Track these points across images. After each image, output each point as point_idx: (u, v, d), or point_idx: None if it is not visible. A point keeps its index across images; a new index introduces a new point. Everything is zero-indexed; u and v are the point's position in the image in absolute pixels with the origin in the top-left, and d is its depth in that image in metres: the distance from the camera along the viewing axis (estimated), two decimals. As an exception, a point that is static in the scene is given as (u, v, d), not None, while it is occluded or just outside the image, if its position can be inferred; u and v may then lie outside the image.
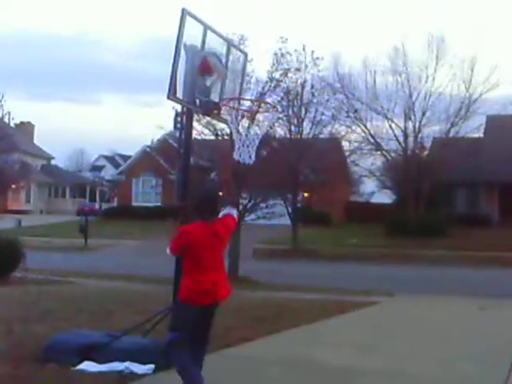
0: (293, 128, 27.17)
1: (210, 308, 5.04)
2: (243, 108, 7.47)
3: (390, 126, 34.59)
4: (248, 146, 6.51)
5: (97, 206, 51.55)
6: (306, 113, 27.38)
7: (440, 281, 17.51)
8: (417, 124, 34.13)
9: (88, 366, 5.52)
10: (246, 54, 7.93)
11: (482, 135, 37.38)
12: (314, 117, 27.66)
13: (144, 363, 5.55)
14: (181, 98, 6.28)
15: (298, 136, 27.28)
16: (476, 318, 10.27)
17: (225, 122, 7.20)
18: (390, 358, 6.73)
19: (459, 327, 9.22)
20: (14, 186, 44.16)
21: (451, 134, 34.56)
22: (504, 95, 33.34)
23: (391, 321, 9.98)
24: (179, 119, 5.95)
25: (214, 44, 6.66)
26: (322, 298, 11.90)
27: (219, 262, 5.12)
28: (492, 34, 72.14)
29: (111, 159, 76.61)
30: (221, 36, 6.91)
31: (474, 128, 35.43)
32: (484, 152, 35.30)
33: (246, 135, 6.63)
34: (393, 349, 7.27)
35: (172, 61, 6.06)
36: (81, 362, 5.59)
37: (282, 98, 23.89)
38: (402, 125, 34.45)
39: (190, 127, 7.17)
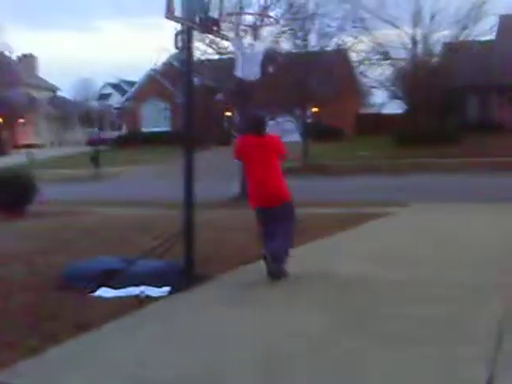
0: (298, 42, 26.54)
1: (267, 210, 6.24)
2: (245, 23, 7.21)
3: (398, 34, 33.72)
4: (251, 62, 6.33)
5: (106, 134, 51.42)
6: (311, 25, 26.67)
7: (454, 188, 17.47)
8: (425, 30, 33.23)
9: (105, 291, 5.60)
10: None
11: (493, 37, 36.33)
12: (320, 29, 26.96)
13: (160, 286, 5.62)
14: (179, 15, 6.06)
15: (305, 50, 26.69)
16: (491, 224, 10.27)
17: (226, 38, 6.97)
18: (402, 265, 6.78)
19: (473, 233, 9.24)
20: (22, 120, 44.07)
21: (462, 38, 33.63)
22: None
23: (404, 230, 10.01)
24: (180, 38, 5.72)
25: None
26: (337, 212, 11.93)
27: (268, 169, 6.17)
28: None
29: (117, 86, 75.72)
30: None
31: (485, 30, 34.43)
32: (496, 55, 34.38)
33: (249, 51, 6.45)
34: (407, 257, 7.32)
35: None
36: (98, 288, 5.67)
37: (286, 11, 23.21)
38: (410, 32, 33.56)
39: (191, 46, 6.96)
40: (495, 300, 5.22)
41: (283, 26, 22.06)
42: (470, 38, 33.88)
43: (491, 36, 35.91)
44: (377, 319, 4.80)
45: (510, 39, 35.43)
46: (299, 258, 6.65)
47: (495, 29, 35.92)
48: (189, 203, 6.12)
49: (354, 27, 31.75)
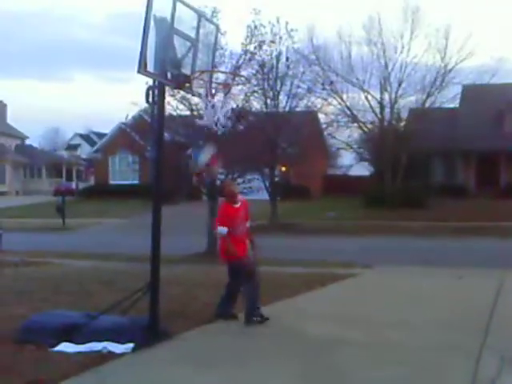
0: (269, 101, 27.02)
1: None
2: (217, 81, 7.36)
3: (366, 98, 34.62)
4: (217, 112, 6.44)
5: (73, 185, 51.06)
6: (281, 85, 27.23)
7: (418, 251, 17.63)
8: (393, 95, 34.17)
9: (66, 346, 5.46)
10: (217, 26, 7.79)
11: (457, 105, 37.58)
12: (290, 90, 27.53)
13: (123, 342, 5.51)
14: (152, 71, 6.14)
15: (274, 109, 27.15)
16: (454, 287, 10.36)
17: (198, 95, 7.06)
18: (369, 327, 6.77)
19: (437, 296, 9.30)
20: (-13, 168, 43.53)
21: (427, 105, 34.68)
22: (479, 65, 33.53)
23: (369, 291, 10.03)
24: (151, 93, 5.78)
25: (185, 16, 6.50)
26: (303, 272, 11.93)
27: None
28: (466, 2, 72.17)
29: (87, 137, 75.76)
30: (192, 8, 6.74)
31: (449, 98, 35.69)
32: (460, 122, 35.51)
33: (218, 105, 6.57)
34: (371, 318, 7.31)
35: (142, 34, 5.90)
36: (59, 343, 5.52)
37: (257, 71, 23.71)
38: (378, 96, 34.50)
39: (162, 101, 7.02)
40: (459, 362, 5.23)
41: (254, 85, 22.52)
42: (435, 105, 34.97)
43: (455, 104, 37.18)
44: (342, 381, 4.76)
45: (473, 107, 36.73)
46: (276, 316, 6.63)
47: (459, 97, 37.21)
48: (155, 257, 6.07)
49: (324, 89, 32.57)
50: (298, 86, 27.65)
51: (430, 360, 5.42)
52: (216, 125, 6.47)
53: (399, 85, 33.95)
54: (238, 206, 6.97)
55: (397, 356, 5.54)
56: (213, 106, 6.46)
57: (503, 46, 73.02)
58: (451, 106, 36.89)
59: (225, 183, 8.45)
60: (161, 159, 6.32)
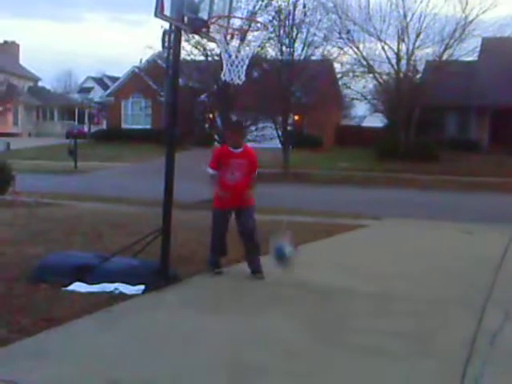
0: (284, 49, 26.66)
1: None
2: (233, 27, 7.25)
3: (383, 48, 34.03)
4: (237, 66, 6.37)
5: (86, 128, 51.10)
6: (297, 33, 26.82)
7: (429, 205, 17.67)
8: (410, 46, 33.55)
9: (78, 286, 5.58)
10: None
11: (476, 58, 36.87)
12: (306, 37, 27.14)
13: (134, 284, 5.62)
14: (168, 15, 6.07)
15: (290, 57, 26.81)
16: (462, 241, 10.41)
17: (214, 41, 6.98)
18: (374, 278, 6.85)
19: (444, 249, 9.37)
20: (0, 108, 43.54)
21: (445, 57, 34.04)
22: (500, 17, 32.75)
23: (376, 243, 10.10)
24: (167, 38, 5.68)
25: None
26: (311, 221, 12.01)
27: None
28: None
29: (100, 81, 75.32)
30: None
31: (468, 51, 34.94)
32: (477, 75, 34.89)
33: (236, 56, 6.48)
34: (376, 269, 7.39)
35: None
36: (72, 282, 5.65)
37: (274, 18, 23.32)
38: (394, 47, 33.88)
39: (178, 46, 6.96)
40: (464, 315, 5.31)
41: (270, 32, 22.18)
42: (453, 58, 34.34)
43: (474, 56, 36.46)
44: (348, 331, 4.86)
45: (492, 62, 35.99)
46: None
47: (478, 50, 36.46)
48: (167, 202, 6.13)
49: (340, 38, 32.08)
50: (315, 34, 27.26)
51: (434, 311, 5.51)
52: (239, 79, 6.40)
53: (417, 36, 33.30)
54: (237, 151, 6.54)
55: (401, 307, 5.62)
56: (235, 64, 6.37)
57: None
58: (469, 59, 36.21)
59: (230, 127, 7.55)
60: (176, 104, 6.30)
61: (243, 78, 6.42)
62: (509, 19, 33.81)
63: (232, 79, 6.40)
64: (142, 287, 5.59)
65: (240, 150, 6.59)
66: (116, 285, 5.56)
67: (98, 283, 5.60)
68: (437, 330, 4.94)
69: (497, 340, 4.64)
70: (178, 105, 6.36)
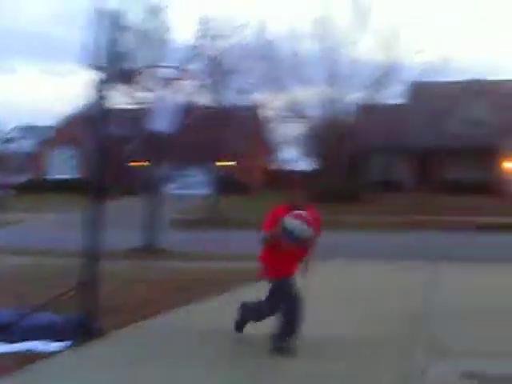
0: (216, 96, 26.91)
1: None
2: (164, 76, 7.27)
3: (313, 93, 34.89)
4: (165, 116, 6.38)
5: (11, 179, 49.65)
6: (229, 81, 27.17)
7: (357, 245, 17.92)
8: (340, 90, 34.49)
9: (-5, 345, 5.31)
10: (166, 21, 7.71)
11: (403, 101, 38.37)
12: (237, 85, 27.50)
13: (56, 340, 5.39)
14: (99, 64, 6.03)
15: (221, 105, 27.07)
16: (387, 280, 10.56)
17: (144, 90, 6.98)
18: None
19: (371, 288, 9.47)
20: None
21: (374, 101, 35.18)
22: (426, 62, 33.96)
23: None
24: (96, 87, 5.63)
25: (134, 10, 6.42)
26: (242, 266, 11.92)
27: None
28: (414, 2, 73.50)
29: (27, 130, 73.65)
30: (141, 2, 6.65)
31: (395, 95, 36.34)
32: (404, 118, 36.24)
33: (164, 104, 6.50)
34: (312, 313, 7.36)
35: (89, 27, 5.80)
36: (-12, 342, 5.37)
37: (206, 66, 23.57)
38: (324, 91, 34.76)
39: (106, 95, 6.91)
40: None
41: (202, 80, 22.37)
42: (381, 102, 35.53)
43: (401, 100, 37.96)
44: (282, 376, 4.79)
45: (418, 105, 37.59)
46: (205, 314, 6.59)
47: (405, 94, 38.03)
48: (91, 253, 5.97)
49: (271, 85, 32.71)
50: (246, 82, 27.65)
51: (364, 353, 5.50)
52: (165, 129, 6.37)
53: (346, 81, 34.26)
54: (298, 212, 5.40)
55: (332, 352, 5.60)
56: (162, 113, 6.35)
57: (450, 45, 74.75)
58: (397, 102, 37.63)
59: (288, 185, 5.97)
60: (103, 153, 6.21)
61: (173, 126, 6.42)
62: (432, 65, 34.98)
63: (160, 128, 6.40)
64: (64, 344, 5.37)
65: (304, 211, 5.49)
66: (36, 342, 5.32)
67: (17, 342, 5.34)
68: (368, 372, 4.93)
69: (426, 378, 4.67)
70: (106, 154, 6.28)
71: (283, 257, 5.36)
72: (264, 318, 5.67)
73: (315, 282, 10.57)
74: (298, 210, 5.43)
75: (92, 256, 5.95)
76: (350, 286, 9.92)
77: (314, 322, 6.78)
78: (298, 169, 41.40)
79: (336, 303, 8.24)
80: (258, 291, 9.19)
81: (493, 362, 5.18)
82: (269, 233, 5.30)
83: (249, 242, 18.78)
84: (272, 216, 5.43)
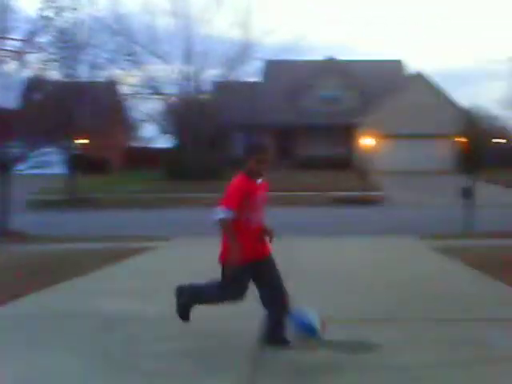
0: (68, 71, 25.77)
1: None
2: (9, 48, 6.83)
3: (170, 70, 34.56)
4: (12, 89, 6.01)
5: None
6: (82, 55, 26.11)
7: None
8: (196, 67, 34.45)
9: None
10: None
11: (260, 79, 39.08)
12: (92, 59, 26.52)
13: None
14: None
15: (74, 79, 25.99)
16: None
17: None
18: (161, 301, 6.81)
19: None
20: None
21: (230, 78, 35.49)
22: (280, 41, 34.99)
23: (164, 264, 10.07)
24: None
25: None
26: (99, 247, 11.67)
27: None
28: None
29: None
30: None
31: (252, 72, 36.92)
32: (261, 96, 36.94)
33: (9, 77, 6.11)
34: (163, 292, 7.34)
35: None
36: None
37: (56, 39, 22.45)
38: (181, 68, 34.56)
39: None
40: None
41: (52, 53, 21.30)
42: (238, 79, 35.95)
43: (258, 78, 38.64)
44: (134, 357, 4.75)
45: (273, 83, 38.45)
46: (62, 298, 6.37)
47: (261, 72, 38.75)
48: None
49: (126, 60, 31.88)
50: (100, 56, 26.75)
51: (213, 328, 5.56)
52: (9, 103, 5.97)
53: (202, 57, 34.27)
54: (260, 183, 4.92)
55: (187, 328, 5.61)
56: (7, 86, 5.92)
57: (303, 24, 76.89)
58: (254, 80, 38.22)
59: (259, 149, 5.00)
60: None
61: (19, 101, 6.07)
62: (287, 44, 36.19)
63: (4, 103, 6.02)
64: None
65: (261, 180, 4.95)
66: None
67: None
68: (217, 349, 5.00)
69: (279, 353, 4.80)
70: None
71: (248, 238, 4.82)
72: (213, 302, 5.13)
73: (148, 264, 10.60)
74: (259, 179, 4.89)
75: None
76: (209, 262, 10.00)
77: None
78: (160, 147, 41.07)
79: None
80: (112, 272, 9.05)
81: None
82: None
83: (108, 223, 18.48)
84: (242, 188, 4.76)
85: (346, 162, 36.72)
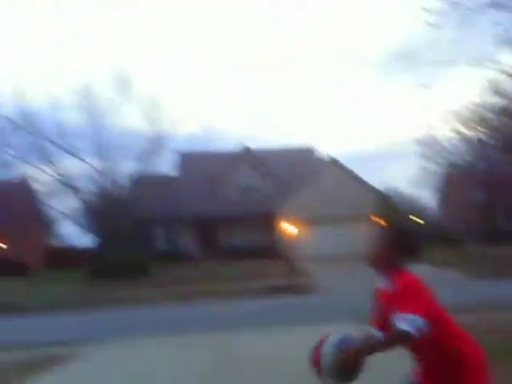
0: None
1: None
2: None
3: (83, 165, 33.83)
4: None
5: None
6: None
7: (145, 321, 17.22)
8: (110, 162, 33.86)
9: None
10: None
11: (175, 172, 38.94)
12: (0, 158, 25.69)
13: None
14: None
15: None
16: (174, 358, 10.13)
17: None
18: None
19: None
20: None
21: (146, 172, 35.14)
22: (191, 132, 35.22)
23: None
24: None
25: None
26: (17, 357, 10.67)
27: None
28: (174, 74, 75.98)
29: None
30: None
31: (167, 165, 36.73)
32: (179, 189, 36.69)
33: None
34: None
35: None
36: None
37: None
38: (94, 163, 33.89)
39: None
40: None
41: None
42: (153, 172, 35.60)
43: (173, 170, 38.47)
44: None
45: (190, 174, 38.40)
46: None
47: (176, 164, 38.63)
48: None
49: (36, 157, 30.87)
50: (7, 154, 25.92)
51: None
52: None
53: (115, 152, 33.69)
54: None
55: None
56: None
57: (211, 113, 78.37)
58: (170, 172, 38.03)
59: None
60: None
61: None
62: (197, 135, 36.41)
63: None
64: None
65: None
66: None
67: None
68: None
69: None
70: None
71: None
72: None
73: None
74: None
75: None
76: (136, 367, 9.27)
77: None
78: (81, 245, 39.66)
79: None
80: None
81: None
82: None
83: (28, 330, 17.20)
84: (427, 296, 3.36)
85: (270, 251, 36.34)
